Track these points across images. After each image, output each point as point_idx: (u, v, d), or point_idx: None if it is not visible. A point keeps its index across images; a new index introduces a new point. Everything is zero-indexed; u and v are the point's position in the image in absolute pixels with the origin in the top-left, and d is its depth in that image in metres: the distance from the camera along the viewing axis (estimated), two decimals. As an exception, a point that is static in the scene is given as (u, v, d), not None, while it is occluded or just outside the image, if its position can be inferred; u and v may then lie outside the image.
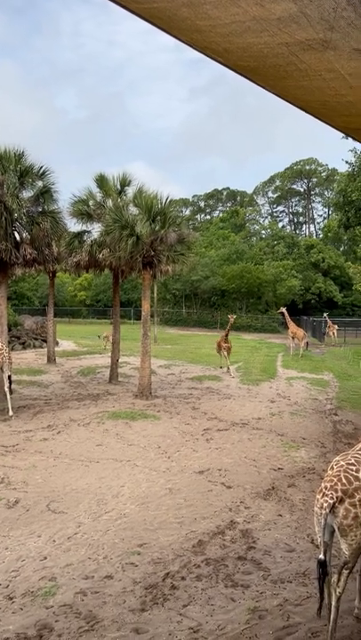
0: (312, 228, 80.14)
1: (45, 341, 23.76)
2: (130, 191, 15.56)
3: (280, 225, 77.18)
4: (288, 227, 79.52)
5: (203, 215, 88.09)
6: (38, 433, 10.53)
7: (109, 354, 18.45)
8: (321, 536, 4.02)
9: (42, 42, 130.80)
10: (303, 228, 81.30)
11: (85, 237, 16.04)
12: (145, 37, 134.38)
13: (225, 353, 19.37)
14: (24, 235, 13.14)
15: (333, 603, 4.01)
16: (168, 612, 4.61)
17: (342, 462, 4.23)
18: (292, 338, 26.25)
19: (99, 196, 15.86)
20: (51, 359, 21.00)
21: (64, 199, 15.34)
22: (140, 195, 14.58)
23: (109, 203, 15.54)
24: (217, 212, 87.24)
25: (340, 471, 4.11)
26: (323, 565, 3.91)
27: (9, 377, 12.06)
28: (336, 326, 35.08)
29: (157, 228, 13.94)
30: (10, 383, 12.15)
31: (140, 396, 14.28)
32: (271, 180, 79.71)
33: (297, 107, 4.23)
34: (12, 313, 28.03)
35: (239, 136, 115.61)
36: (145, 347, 14.56)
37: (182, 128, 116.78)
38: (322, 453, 9.51)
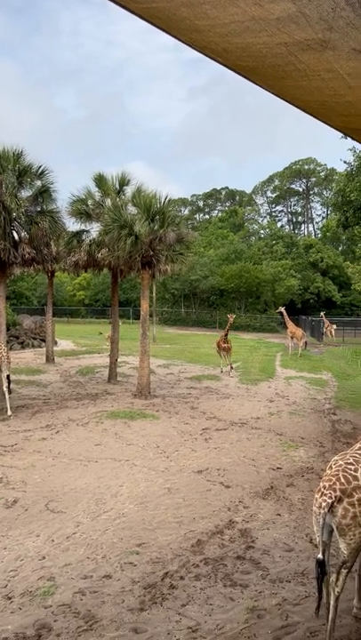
0: (311, 228, 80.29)
1: (44, 341, 23.73)
2: (129, 191, 15.57)
3: (279, 224, 77.24)
4: (287, 226, 79.58)
5: (202, 215, 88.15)
6: (37, 432, 10.52)
7: (108, 353, 18.45)
8: (320, 535, 4.02)
9: (41, 41, 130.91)
10: (302, 228, 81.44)
11: (84, 237, 16.04)
12: (144, 37, 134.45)
13: (224, 353, 19.33)
14: (23, 234, 13.13)
15: (332, 602, 4.01)
16: (167, 612, 4.61)
17: (341, 462, 4.23)
18: (291, 337, 26.26)
19: (97, 195, 15.86)
20: (49, 359, 20.98)
21: (63, 198, 15.39)
22: (138, 194, 14.57)
23: (108, 202, 15.54)
24: (216, 211, 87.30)
25: (338, 471, 4.12)
26: (321, 565, 3.91)
27: (7, 376, 12.05)
28: (335, 325, 35.10)
29: (156, 227, 13.94)
30: (8, 383, 12.15)
31: (139, 395, 14.28)
32: (270, 179, 79.78)
33: (296, 107, 4.23)
34: (10, 312, 28.00)
35: (238, 136, 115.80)
36: (144, 346, 14.56)
37: (182, 128, 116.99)
38: (320, 453, 9.52)
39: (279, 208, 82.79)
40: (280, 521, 6.55)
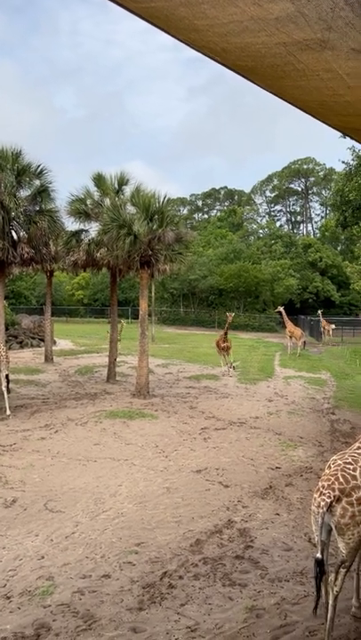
0: (310, 228, 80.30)
1: (43, 340, 23.71)
2: (127, 190, 15.57)
3: (278, 224, 77.25)
4: (286, 226, 79.60)
5: (200, 214, 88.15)
6: (36, 432, 10.52)
7: (107, 353, 18.44)
8: (318, 535, 4.03)
9: (40, 41, 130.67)
10: (301, 228, 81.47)
11: (83, 236, 16.03)
12: (143, 37, 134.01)
13: (224, 353, 19.31)
14: (21, 234, 13.13)
15: (331, 601, 4.02)
16: (166, 611, 4.61)
17: (340, 461, 4.23)
18: (290, 337, 26.28)
19: (96, 195, 15.85)
20: (48, 358, 20.97)
21: (62, 198, 15.37)
22: (137, 194, 14.57)
23: (107, 202, 15.53)
24: (215, 211, 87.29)
25: (337, 470, 4.12)
26: (320, 564, 3.92)
27: (6, 376, 12.04)
28: (333, 325, 35.09)
29: (155, 227, 13.93)
30: (7, 382, 12.14)
31: (138, 395, 14.28)
32: (269, 179, 79.77)
33: (295, 106, 4.23)
34: (9, 312, 27.98)
35: (238, 135, 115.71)
36: (143, 346, 14.56)
37: (181, 127, 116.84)
38: (319, 452, 9.53)
39: (278, 208, 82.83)
40: (279, 520, 6.56)
